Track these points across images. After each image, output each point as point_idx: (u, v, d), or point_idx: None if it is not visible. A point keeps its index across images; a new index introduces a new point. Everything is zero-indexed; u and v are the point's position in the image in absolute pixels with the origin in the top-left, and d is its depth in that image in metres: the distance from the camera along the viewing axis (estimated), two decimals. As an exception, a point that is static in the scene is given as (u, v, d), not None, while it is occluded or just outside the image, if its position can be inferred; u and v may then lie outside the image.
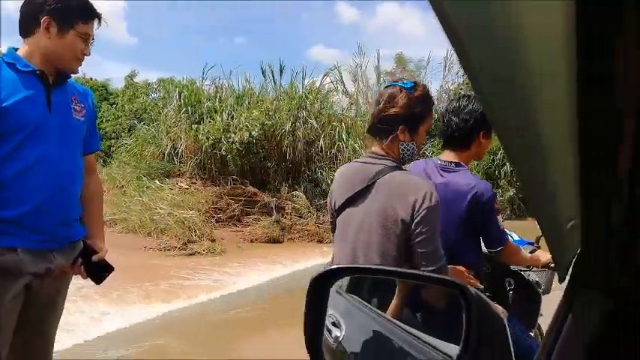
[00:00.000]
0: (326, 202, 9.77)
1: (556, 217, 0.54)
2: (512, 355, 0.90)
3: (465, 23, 0.29)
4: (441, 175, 1.91)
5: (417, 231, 1.53)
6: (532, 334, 2.21)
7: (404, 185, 1.57)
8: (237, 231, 10.28)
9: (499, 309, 0.94)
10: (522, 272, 2.24)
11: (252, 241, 9.89)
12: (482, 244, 1.94)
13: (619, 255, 0.57)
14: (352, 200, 1.67)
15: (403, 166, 1.67)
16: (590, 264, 0.62)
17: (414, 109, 1.61)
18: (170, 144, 12.23)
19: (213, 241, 9.16)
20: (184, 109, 12.42)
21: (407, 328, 1.25)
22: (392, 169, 1.61)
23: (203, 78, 13.73)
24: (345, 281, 1.50)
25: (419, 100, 1.62)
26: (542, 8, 0.29)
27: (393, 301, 1.43)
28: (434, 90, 17.00)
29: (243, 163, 11.63)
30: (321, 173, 12.03)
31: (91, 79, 19.38)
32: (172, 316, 5.21)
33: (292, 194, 11.43)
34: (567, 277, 0.71)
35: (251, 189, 11.30)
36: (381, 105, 1.62)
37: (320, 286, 1.07)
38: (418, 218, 1.52)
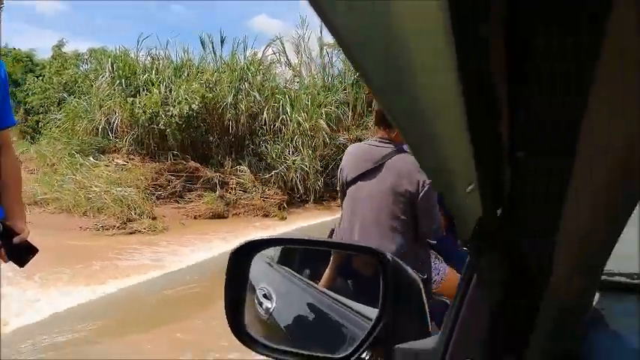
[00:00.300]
0: (271, 176, 9.78)
1: (453, 182, 0.57)
2: (428, 314, 0.97)
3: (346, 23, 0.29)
4: None
5: (421, 201, 1.95)
6: None
7: (410, 166, 1.92)
8: (180, 207, 10.03)
9: (414, 272, 1.00)
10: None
11: (195, 218, 9.69)
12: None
13: (513, 218, 0.60)
14: (363, 176, 2.04)
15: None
16: (489, 227, 0.65)
17: None
18: (104, 118, 11.58)
19: (154, 218, 8.88)
20: (118, 81, 11.78)
21: (336, 296, 1.28)
22: (398, 151, 1.99)
23: (138, 48, 13.03)
24: (277, 253, 1.52)
25: None
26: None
27: (326, 271, 1.47)
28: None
29: (183, 137, 11.26)
30: (266, 147, 11.89)
31: (14, 48, 17.95)
32: (103, 300, 5.01)
33: (236, 169, 11.25)
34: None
35: (193, 164, 11.00)
36: None
37: (240, 259, 1.07)
38: (422, 193, 1.94)
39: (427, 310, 0.96)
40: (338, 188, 2.33)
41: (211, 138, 11.83)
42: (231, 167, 11.24)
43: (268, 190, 10.86)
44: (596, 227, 0.58)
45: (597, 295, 1.22)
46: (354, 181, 2.08)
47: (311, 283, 1.45)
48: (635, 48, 0.30)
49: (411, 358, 0.90)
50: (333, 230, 2.25)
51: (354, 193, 2.09)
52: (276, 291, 1.42)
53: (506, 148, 0.43)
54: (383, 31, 0.31)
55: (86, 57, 16.88)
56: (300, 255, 1.58)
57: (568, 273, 0.73)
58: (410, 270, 1.03)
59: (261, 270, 1.51)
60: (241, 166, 11.31)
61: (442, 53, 0.32)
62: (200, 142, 11.76)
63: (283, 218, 10.33)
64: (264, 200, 10.57)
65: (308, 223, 9.99)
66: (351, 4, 0.28)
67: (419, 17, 0.30)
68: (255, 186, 10.88)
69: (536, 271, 0.72)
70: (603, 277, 1.38)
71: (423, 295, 0.99)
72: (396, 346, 0.90)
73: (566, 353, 0.90)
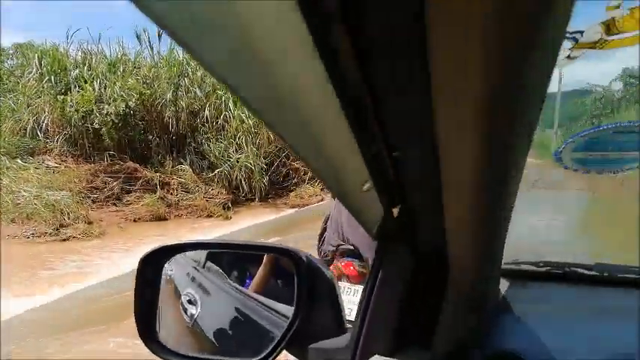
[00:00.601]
0: (214, 175, 9.62)
1: (347, 182, 0.58)
2: (343, 309, 0.99)
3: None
4: None
5: None
6: None
7: None
8: (118, 211, 9.61)
9: (329, 271, 1.02)
10: None
11: (135, 221, 9.32)
12: None
13: (408, 214, 0.64)
14: None
15: None
16: (390, 225, 0.69)
17: None
18: (32, 118, 10.88)
19: (89, 223, 8.47)
20: (47, 77, 11.09)
21: (262, 299, 1.27)
22: None
23: (68, 42, 12.31)
24: (203, 256, 1.51)
25: None
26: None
27: (258, 273, 1.48)
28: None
29: (120, 136, 10.78)
30: (208, 145, 11.60)
31: None
32: (24, 316, 4.70)
33: (177, 168, 10.92)
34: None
35: (131, 165, 10.57)
36: None
37: (151, 265, 1.07)
38: None
39: (343, 308, 0.97)
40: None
41: (150, 137, 11.41)
42: (172, 167, 10.90)
43: (212, 189, 10.63)
44: (475, 218, 0.61)
45: (505, 283, 1.31)
46: None
47: (237, 286, 1.43)
48: (459, 44, 0.32)
49: (323, 357, 0.92)
50: (328, 216, 2.30)
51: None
52: (201, 296, 1.40)
53: (385, 149, 0.46)
54: (252, 53, 0.31)
55: (11, 52, 15.77)
56: (228, 258, 1.57)
57: (464, 264, 0.78)
58: (325, 269, 1.04)
59: (187, 275, 1.48)
60: (183, 166, 10.99)
61: (311, 68, 0.34)
62: (138, 142, 11.30)
63: (228, 218, 10.15)
64: (207, 200, 10.34)
65: (254, 222, 9.88)
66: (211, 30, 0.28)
67: (284, 39, 0.32)
68: (197, 186, 10.61)
69: (436, 265, 0.77)
70: (510, 267, 1.43)
71: (339, 293, 1.00)
72: (310, 345, 0.92)
73: (471, 340, 0.93)
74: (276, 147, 12.21)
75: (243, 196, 11.42)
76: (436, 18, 0.30)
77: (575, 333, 1.09)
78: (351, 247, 2.17)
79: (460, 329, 0.91)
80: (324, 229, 2.35)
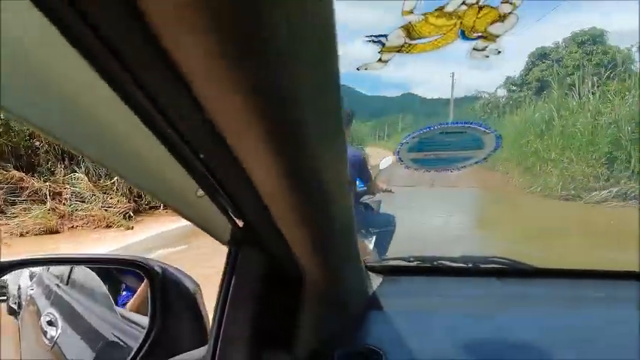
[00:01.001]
0: (113, 183, 9.06)
1: (180, 192, 0.59)
2: (205, 319, 0.98)
3: None
4: None
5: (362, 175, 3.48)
6: None
7: (352, 151, 3.38)
8: (2, 225, 8.64)
9: (191, 281, 1.01)
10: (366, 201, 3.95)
11: (22, 235, 8.44)
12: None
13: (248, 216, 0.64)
14: None
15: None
16: (236, 226, 0.70)
17: None
18: None
19: (-34, 240, 7.51)
20: None
21: (127, 314, 1.23)
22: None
23: None
24: (66, 272, 1.40)
25: None
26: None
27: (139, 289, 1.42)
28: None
29: (2, 143, 9.71)
30: (106, 151, 10.85)
31: None
32: None
33: (71, 177, 10.08)
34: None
35: (15, 174, 9.55)
36: None
37: None
38: (360, 164, 3.41)
39: (206, 318, 0.95)
40: None
41: (38, 143, 10.41)
42: (65, 175, 10.04)
43: (110, 198, 9.95)
44: (300, 219, 0.61)
45: (377, 279, 1.36)
46: None
47: (104, 300, 1.35)
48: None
49: None
50: None
51: None
52: (62, 315, 1.31)
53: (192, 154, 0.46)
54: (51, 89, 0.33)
55: None
56: (99, 270, 1.47)
57: (311, 264, 0.79)
58: (185, 279, 1.01)
59: (49, 293, 1.38)
60: (76, 174, 10.17)
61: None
62: (24, 148, 10.26)
63: (130, 228, 9.55)
64: (106, 210, 9.66)
65: (159, 230, 9.40)
66: None
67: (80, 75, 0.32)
68: (94, 195, 9.87)
69: (289, 267, 0.77)
70: (381, 263, 1.48)
71: (200, 304, 0.97)
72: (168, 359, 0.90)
73: (334, 339, 0.94)
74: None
75: (146, 204, 10.83)
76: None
77: (438, 324, 1.13)
78: None
79: (321, 329, 0.92)
80: None
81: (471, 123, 1.31)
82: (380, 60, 0.66)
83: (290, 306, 0.82)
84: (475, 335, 1.06)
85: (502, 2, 0.57)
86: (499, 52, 0.65)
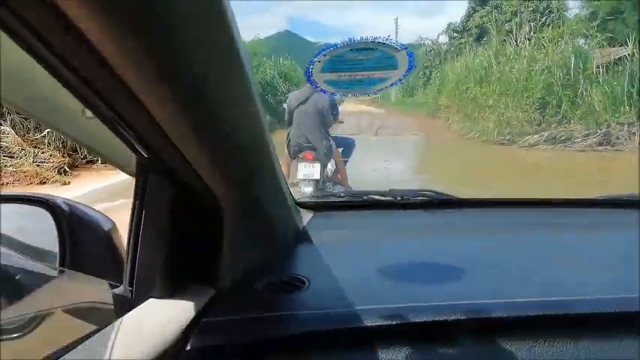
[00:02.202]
0: (44, 136, 8.56)
1: (65, 111, 0.59)
2: (122, 258, 0.93)
3: None
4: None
5: (333, 111, 4.68)
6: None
7: (323, 95, 3.71)
8: None
9: (105, 217, 1.00)
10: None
11: (-56, 195, 7.83)
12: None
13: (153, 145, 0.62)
14: (301, 104, 4.63)
15: None
16: (141, 154, 0.67)
17: None
18: None
19: None
20: None
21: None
22: (315, 92, 3.51)
23: None
24: None
25: None
26: None
27: None
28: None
29: None
30: (33, 102, 10.09)
31: None
32: None
33: (-5, 130, 9.36)
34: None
35: None
36: None
37: None
38: (334, 103, 4.75)
39: (119, 255, 0.92)
40: (286, 114, 4.92)
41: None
42: (-12, 129, 9.31)
43: (42, 152, 9.38)
44: (200, 140, 0.60)
45: (308, 214, 1.39)
46: (297, 107, 4.72)
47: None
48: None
49: None
50: (288, 134, 4.74)
51: (297, 113, 4.73)
52: None
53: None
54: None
55: None
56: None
57: (227, 193, 0.77)
58: (98, 218, 0.97)
59: None
60: (2, 127, 9.45)
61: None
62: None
63: (66, 183, 9.10)
64: (38, 165, 9.12)
65: (99, 185, 9.03)
66: None
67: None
68: (24, 149, 9.26)
69: (206, 198, 0.75)
70: (313, 199, 1.50)
71: (117, 244, 0.94)
72: None
73: (260, 270, 0.94)
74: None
75: (83, 158, 10.31)
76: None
77: (365, 252, 1.17)
78: (310, 144, 4.64)
79: (245, 261, 0.92)
80: (288, 135, 4.85)
81: (380, 38, 1.31)
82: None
83: (210, 238, 0.79)
84: (401, 260, 1.10)
85: None
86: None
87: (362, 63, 1.36)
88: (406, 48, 1.40)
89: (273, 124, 15.18)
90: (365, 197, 1.59)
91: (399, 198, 1.56)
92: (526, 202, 1.66)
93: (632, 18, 20.10)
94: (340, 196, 1.62)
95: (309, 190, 4.58)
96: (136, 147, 0.62)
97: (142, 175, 0.73)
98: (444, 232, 1.40)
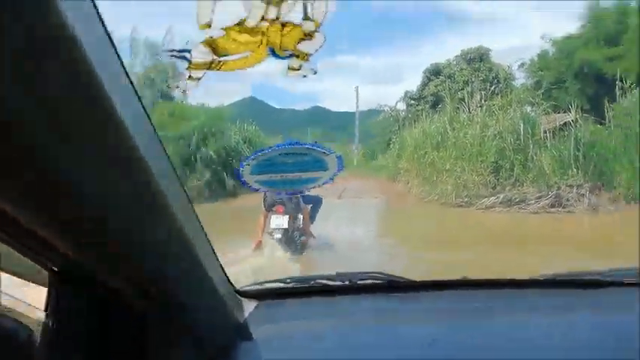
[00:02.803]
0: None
1: None
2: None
3: None
4: None
5: None
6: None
7: None
8: None
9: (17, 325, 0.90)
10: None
11: None
12: None
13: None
14: None
15: None
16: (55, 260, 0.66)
17: None
18: None
19: None
20: None
21: None
22: None
23: None
24: None
25: None
26: None
27: None
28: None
29: None
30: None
31: None
32: None
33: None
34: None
35: None
36: None
37: None
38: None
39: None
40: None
41: None
42: None
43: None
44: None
45: (251, 305, 1.34)
46: None
47: None
48: None
49: None
50: (265, 193, 4.88)
51: None
52: None
53: None
54: None
55: None
56: None
57: (154, 295, 0.73)
58: (10, 325, 0.89)
59: None
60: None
61: None
62: None
63: None
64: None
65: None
66: None
67: None
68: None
69: (126, 302, 0.72)
70: (253, 287, 1.46)
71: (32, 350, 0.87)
72: None
73: None
74: None
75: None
76: None
77: (309, 346, 1.12)
78: (281, 200, 5.69)
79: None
80: (265, 193, 5.41)
81: (311, 145, 1.37)
82: (190, 77, 0.61)
83: (131, 343, 0.74)
84: (346, 354, 1.06)
85: (304, 19, 0.55)
86: (315, 72, 0.63)
87: (293, 165, 1.41)
88: (334, 152, 1.49)
89: (236, 189, 15.16)
90: (312, 282, 1.55)
91: (347, 282, 1.52)
92: (478, 283, 1.63)
93: (574, 87, 21.77)
94: (286, 283, 1.53)
95: (278, 237, 5.96)
96: (45, 259, 0.60)
97: (54, 286, 0.71)
98: (393, 318, 1.36)
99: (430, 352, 1.07)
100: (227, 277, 1.12)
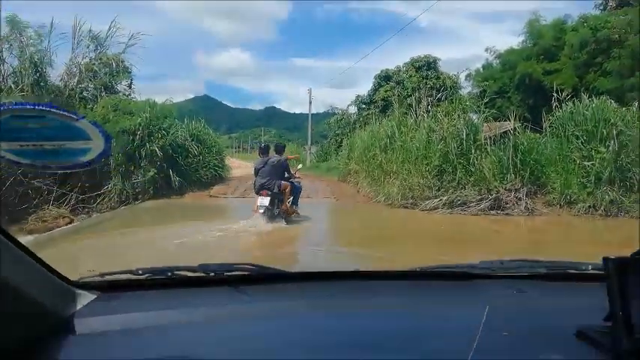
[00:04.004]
0: None
1: None
2: None
3: None
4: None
5: (284, 166, 9.43)
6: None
7: (277, 158, 9.39)
8: None
9: None
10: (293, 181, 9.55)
11: None
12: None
13: None
14: (262, 166, 9.23)
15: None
16: None
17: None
18: None
19: None
20: None
21: None
22: (271, 157, 9.45)
23: None
24: None
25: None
26: None
27: None
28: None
29: None
30: None
31: None
32: None
33: None
34: None
35: None
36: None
37: None
38: (284, 164, 9.41)
39: None
40: (254, 171, 9.54)
41: None
42: None
43: None
44: None
45: (89, 297, 1.25)
46: (259, 168, 9.23)
47: None
48: None
49: None
50: (254, 182, 9.14)
51: (260, 172, 9.15)
52: None
53: None
54: None
55: None
56: None
57: None
58: None
59: None
60: None
61: None
62: None
63: None
64: None
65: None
66: None
67: None
68: None
69: None
70: (93, 279, 1.38)
71: None
72: None
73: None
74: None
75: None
76: None
77: (148, 341, 1.08)
78: (265, 186, 8.85)
79: None
80: (254, 182, 9.16)
81: (44, 105, 1.23)
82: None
83: None
84: (199, 347, 1.03)
85: None
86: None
87: (36, 131, 1.25)
88: (82, 116, 1.30)
89: (183, 187, 14.80)
90: (169, 274, 1.43)
91: (211, 274, 1.44)
92: (348, 275, 1.63)
93: (516, 97, 22.85)
94: (138, 274, 1.41)
95: (261, 213, 8.73)
96: None
97: None
98: (254, 311, 1.32)
99: (277, 342, 1.08)
100: (54, 270, 1.09)
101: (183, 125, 16.39)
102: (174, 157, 14.99)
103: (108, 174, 13.64)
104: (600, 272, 1.49)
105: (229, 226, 8.53)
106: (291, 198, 9.47)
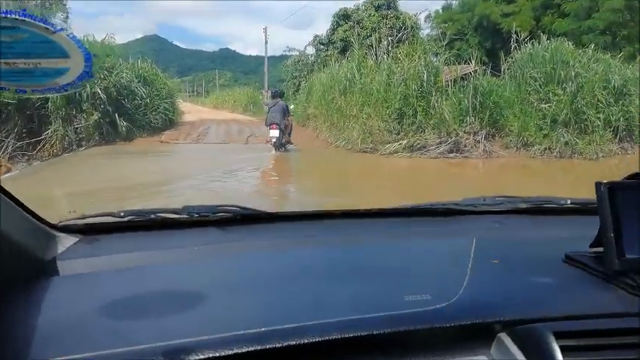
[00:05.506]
0: None
1: None
2: None
3: None
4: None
5: (286, 109, 12.66)
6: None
7: (283, 103, 12.64)
8: None
9: None
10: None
11: None
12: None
13: None
14: (272, 106, 12.48)
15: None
16: None
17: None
18: None
19: None
20: None
21: None
22: (279, 101, 12.55)
23: None
24: None
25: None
26: None
27: None
28: None
29: None
30: None
31: None
32: None
33: None
34: None
35: None
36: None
37: None
38: (286, 107, 12.70)
39: None
40: (266, 108, 14.59)
41: None
42: None
43: None
44: None
45: (71, 239, 1.25)
46: (271, 107, 12.40)
47: None
48: None
49: None
50: (267, 117, 12.48)
51: (271, 110, 12.25)
52: None
53: None
54: None
55: None
56: None
57: None
58: None
59: None
60: None
61: None
62: None
63: None
64: None
65: None
66: None
67: None
68: None
69: None
70: (74, 222, 1.35)
71: None
72: None
73: None
74: None
75: None
76: None
77: (118, 285, 1.03)
78: (275, 121, 11.93)
79: None
80: (267, 117, 12.38)
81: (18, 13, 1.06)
82: None
83: None
84: (161, 288, 1.03)
85: None
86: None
87: (10, 47, 1.05)
88: (61, 29, 1.09)
89: (131, 132, 13.96)
90: (152, 216, 1.41)
91: (195, 215, 1.43)
92: (336, 214, 1.65)
93: (474, 39, 22.73)
94: (120, 216, 1.37)
95: (273, 142, 11.88)
96: None
97: None
98: (240, 248, 1.34)
99: (265, 275, 1.12)
100: (32, 212, 1.08)
101: (128, 65, 15.26)
102: (120, 100, 14.02)
103: (47, 117, 12.66)
104: (578, 206, 1.65)
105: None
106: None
